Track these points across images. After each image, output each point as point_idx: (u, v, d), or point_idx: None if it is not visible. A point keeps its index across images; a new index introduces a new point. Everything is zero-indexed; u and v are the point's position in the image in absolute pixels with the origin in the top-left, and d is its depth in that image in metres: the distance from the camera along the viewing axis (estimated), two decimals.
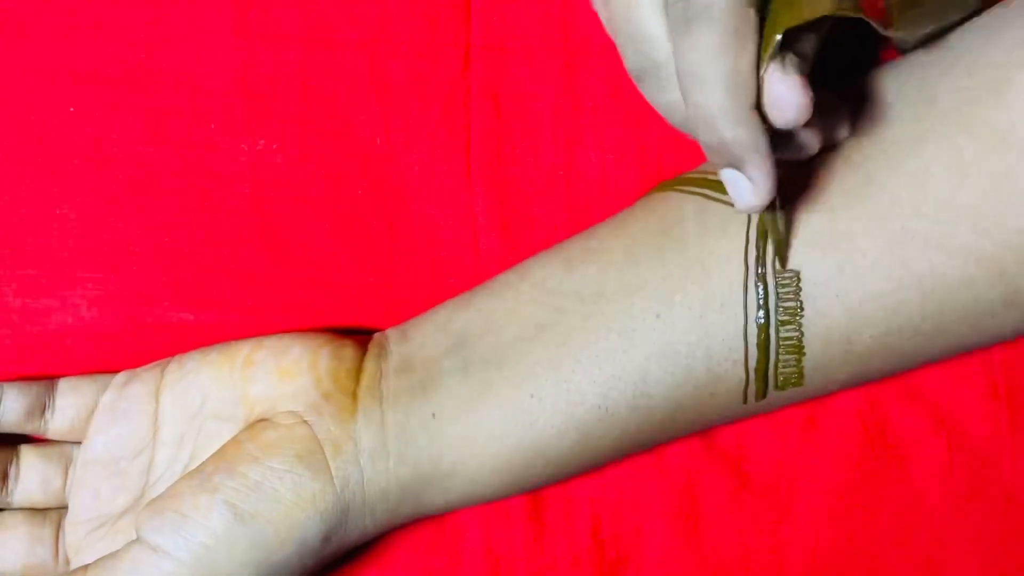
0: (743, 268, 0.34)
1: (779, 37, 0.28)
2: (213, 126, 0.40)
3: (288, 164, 0.40)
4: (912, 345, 0.35)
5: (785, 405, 0.37)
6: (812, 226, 0.34)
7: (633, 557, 0.40)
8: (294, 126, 0.40)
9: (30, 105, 0.40)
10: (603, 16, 0.34)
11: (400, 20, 0.40)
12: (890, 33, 0.31)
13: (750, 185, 0.30)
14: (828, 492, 0.40)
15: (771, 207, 0.34)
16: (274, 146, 0.40)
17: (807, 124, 0.31)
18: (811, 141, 0.32)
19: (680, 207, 0.36)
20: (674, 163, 0.40)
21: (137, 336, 0.40)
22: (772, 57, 0.29)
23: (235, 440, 0.35)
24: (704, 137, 0.30)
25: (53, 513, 0.38)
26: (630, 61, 0.33)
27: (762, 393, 0.35)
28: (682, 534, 0.40)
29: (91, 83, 0.40)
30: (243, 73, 0.40)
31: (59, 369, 0.40)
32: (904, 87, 0.34)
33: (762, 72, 0.29)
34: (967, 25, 0.35)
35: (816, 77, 0.30)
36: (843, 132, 0.34)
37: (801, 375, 0.35)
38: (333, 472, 0.35)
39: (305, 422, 0.35)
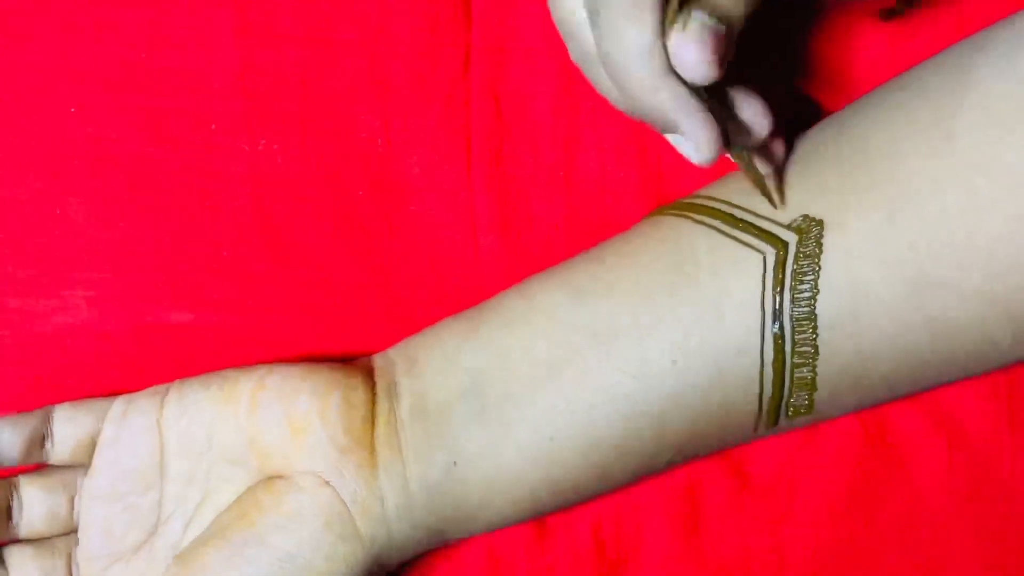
0: (759, 314, 0.34)
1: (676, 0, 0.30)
2: (213, 126, 0.40)
3: (288, 164, 0.40)
4: (919, 376, 0.35)
5: (792, 429, 0.38)
6: (830, 270, 0.34)
7: (634, 557, 0.40)
8: (294, 126, 0.40)
9: (30, 105, 0.40)
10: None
11: (400, 20, 0.40)
12: None
13: (693, 143, 0.31)
14: (828, 492, 0.40)
15: (782, 244, 0.34)
16: (274, 146, 0.40)
17: (750, 102, 0.33)
18: (757, 121, 0.33)
19: (692, 241, 0.36)
20: (674, 163, 0.40)
21: (137, 336, 0.40)
22: (674, 20, 0.30)
23: (257, 502, 0.35)
24: (637, 112, 0.31)
25: (61, 544, 0.38)
26: (570, 52, 0.34)
27: (773, 424, 0.36)
28: (682, 534, 0.40)
29: (91, 83, 0.40)
30: (243, 73, 0.40)
31: (59, 369, 0.40)
32: (918, 114, 0.34)
33: (667, 36, 0.30)
34: (977, 45, 0.34)
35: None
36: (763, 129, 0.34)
37: (812, 406, 0.35)
38: (363, 533, 0.35)
39: (327, 483, 0.35)
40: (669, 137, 0.32)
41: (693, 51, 0.29)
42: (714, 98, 0.32)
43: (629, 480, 0.37)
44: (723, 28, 0.30)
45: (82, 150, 0.40)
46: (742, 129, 0.34)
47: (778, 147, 0.35)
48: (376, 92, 0.40)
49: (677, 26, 0.30)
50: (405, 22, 0.40)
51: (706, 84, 0.30)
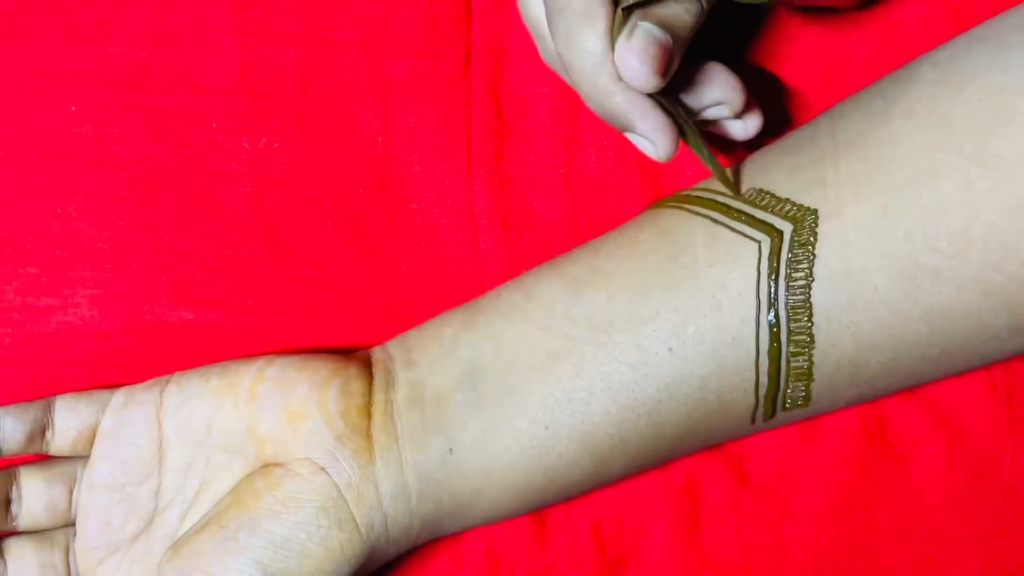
0: (755, 302, 0.34)
1: (620, 10, 0.31)
2: (214, 125, 0.40)
3: (289, 163, 0.40)
4: (917, 367, 0.35)
5: (791, 422, 0.38)
6: (825, 259, 0.34)
7: (634, 555, 0.40)
8: (295, 125, 0.40)
9: (30, 105, 0.40)
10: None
11: (401, 20, 0.40)
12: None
13: (650, 142, 0.33)
14: (828, 491, 0.40)
15: (777, 236, 0.34)
16: (275, 145, 0.40)
17: (720, 76, 0.34)
18: (729, 95, 0.34)
19: (689, 231, 0.36)
20: (673, 162, 0.40)
21: (137, 335, 0.40)
22: (620, 28, 0.31)
23: (252, 489, 0.35)
24: (597, 112, 0.33)
25: (60, 536, 0.38)
26: (540, 54, 0.36)
27: (770, 415, 0.36)
28: (683, 533, 0.40)
29: (91, 83, 0.40)
30: (244, 72, 0.40)
31: (60, 368, 0.40)
32: (914, 107, 0.34)
33: (615, 44, 0.31)
34: (972, 39, 0.35)
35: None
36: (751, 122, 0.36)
37: (809, 398, 0.35)
38: (358, 520, 0.35)
39: (323, 469, 0.35)
40: (628, 135, 0.33)
41: (635, 60, 0.30)
42: (670, 91, 0.33)
43: (627, 472, 0.37)
44: (668, 39, 0.31)
45: (82, 150, 0.40)
46: (700, 115, 0.35)
47: (753, 120, 0.36)
48: (376, 92, 0.40)
49: (623, 35, 0.30)
50: (405, 22, 0.40)
51: (649, 92, 0.31)
